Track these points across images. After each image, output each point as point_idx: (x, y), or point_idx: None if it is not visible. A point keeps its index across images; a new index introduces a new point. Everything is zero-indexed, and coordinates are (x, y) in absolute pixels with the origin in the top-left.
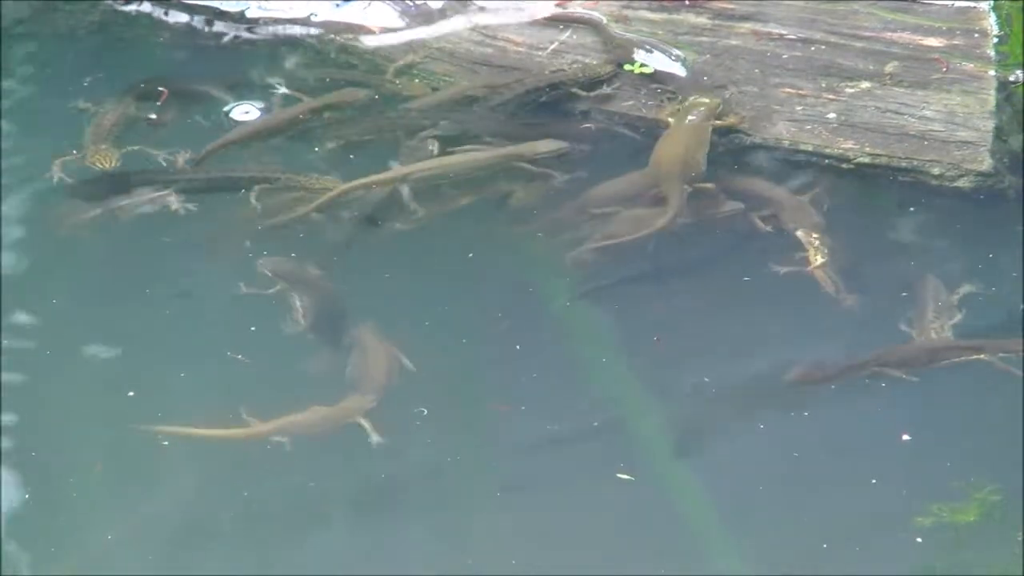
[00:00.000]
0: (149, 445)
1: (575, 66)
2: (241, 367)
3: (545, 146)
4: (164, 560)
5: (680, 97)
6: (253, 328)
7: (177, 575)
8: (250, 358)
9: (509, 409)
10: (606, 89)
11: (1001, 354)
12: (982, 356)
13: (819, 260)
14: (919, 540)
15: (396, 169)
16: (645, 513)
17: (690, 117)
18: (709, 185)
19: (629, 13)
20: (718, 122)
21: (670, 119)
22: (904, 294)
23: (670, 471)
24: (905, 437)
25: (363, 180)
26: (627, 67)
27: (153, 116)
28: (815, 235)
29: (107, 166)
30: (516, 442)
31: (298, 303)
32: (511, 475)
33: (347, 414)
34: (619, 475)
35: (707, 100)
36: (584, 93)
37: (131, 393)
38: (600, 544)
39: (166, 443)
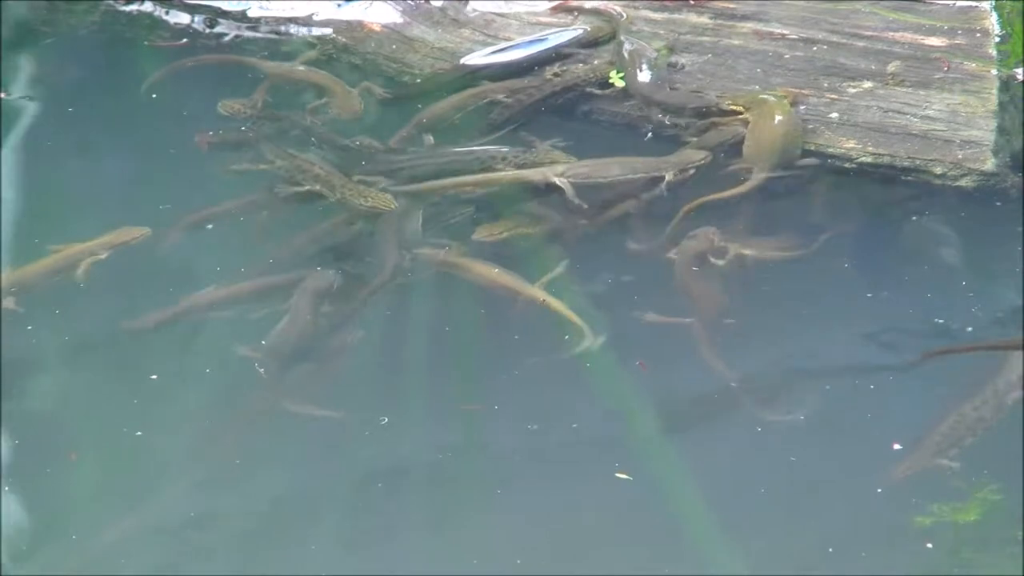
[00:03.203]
0: (148, 443)
1: (583, 67)
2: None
3: (696, 156)
4: (162, 560)
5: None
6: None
7: (175, 575)
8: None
9: (480, 409)
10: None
11: None
12: None
13: None
14: (929, 545)
15: (549, 168)
16: (645, 513)
17: (777, 114)
18: (812, 160)
19: (631, 12)
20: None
21: (735, 107)
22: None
23: (670, 471)
24: (896, 447)
25: (511, 174)
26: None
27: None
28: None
29: (389, 207)
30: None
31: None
32: (509, 475)
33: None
34: (618, 475)
35: (774, 97)
36: (599, 92)
37: (153, 376)
38: (600, 544)
39: (164, 441)
